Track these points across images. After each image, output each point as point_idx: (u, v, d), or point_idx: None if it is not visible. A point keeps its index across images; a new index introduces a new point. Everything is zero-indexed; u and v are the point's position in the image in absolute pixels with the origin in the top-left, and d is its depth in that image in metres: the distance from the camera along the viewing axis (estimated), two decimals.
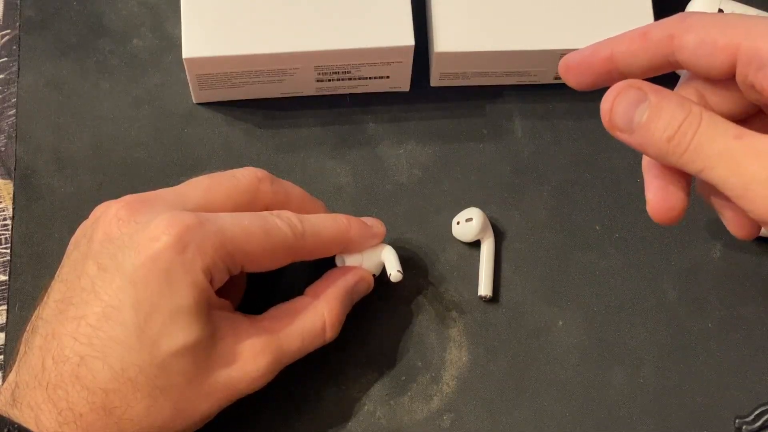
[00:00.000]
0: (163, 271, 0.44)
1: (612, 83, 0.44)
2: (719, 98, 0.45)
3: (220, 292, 0.48)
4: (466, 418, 0.53)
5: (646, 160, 0.45)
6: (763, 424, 0.51)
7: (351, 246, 0.52)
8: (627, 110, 0.43)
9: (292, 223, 0.48)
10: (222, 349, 0.46)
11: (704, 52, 0.43)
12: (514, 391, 0.54)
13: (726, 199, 0.43)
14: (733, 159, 0.41)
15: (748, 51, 0.41)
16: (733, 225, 0.46)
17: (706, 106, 0.45)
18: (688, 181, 0.45)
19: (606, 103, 0.43)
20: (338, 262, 0.53)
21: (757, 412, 0.51)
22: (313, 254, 0.50)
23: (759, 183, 0.40)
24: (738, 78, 0.43)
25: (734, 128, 0.41)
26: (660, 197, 0.45)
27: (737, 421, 0.52)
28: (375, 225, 0.52)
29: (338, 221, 0.51)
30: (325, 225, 0.50)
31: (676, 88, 0.46)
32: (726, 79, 0.43)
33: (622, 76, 0.44)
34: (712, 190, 0.44)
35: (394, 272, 0.52)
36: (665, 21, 0.44)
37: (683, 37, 0.43)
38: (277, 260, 0.49)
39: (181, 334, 0.45)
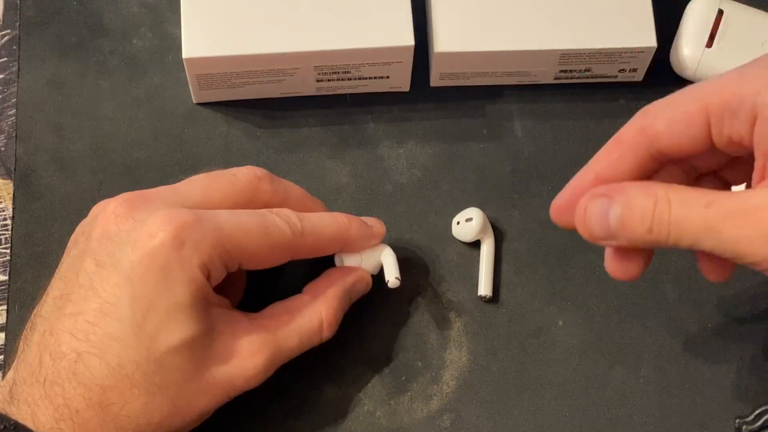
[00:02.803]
0: (160, 267, 0.44)
1: None
2: (698, 159, 0.46)
3: (220, 291, 0.48)
4: (466, 418, 0.53)
5: None
6: (763, 424, 0.51)
7: (350, 245, 0.52)
8: (601, 221, 0.43)
9: (291, 221, 0.48)
10: (219, 346, 0.46)
11: (679, 129, 0.43)
12: (514, 391, 0.54)
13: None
14: (712, 228, 0.41)
15: (718, 104, 0.42)
16: (708, 272, 0.47)
17: (683, 166, 0.46)
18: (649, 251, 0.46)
19: (578, 219, 0.44)
20: (337, 261, 0.53)
21: (757, 412, 0.51)
22: (312, 252, 0.50)
23: (744, 241, 0.41)
24: (715, 138, 0.43)
25: (702, 196, 0.42)
26: (620, 266, 0.46)
27: (737, 421, 0.52)
28: (375, 225, 0.52)
29: (338, 220, 0.51)
30: (325, 223, 0.50)
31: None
32: (707, 142, 0.43)
33: None
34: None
35: (392, 279, 0.52)
36: (631, 122, 0.44)
37: (654, 125, 0.44)
38: (276, 258, 0.49)
39: (178, 330, 0.45)
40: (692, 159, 0.46)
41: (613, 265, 0.46)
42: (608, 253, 0.46)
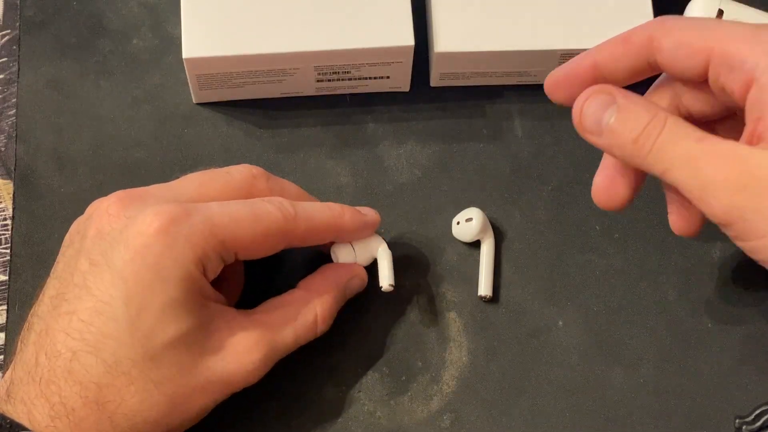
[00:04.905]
0: (153, 264, 0.44)
1: None
2: (694, 100, 0.46)
3: (218, 288, 0.48)
4: (466, 418, 0.53)
5: None
6: (763, 424, 0.51)
7: (345, 233, 0.51)
8: (596, 113, 0.44)
9: (283, 207, 0.48)
10: (216, 342, 0.46)
11: (681, 55, 0.44)
12: (514, 391, 0.54)
13: (677, 195, 0.45)
14: (692, 161, 0.42)
15: (720, 54, 0.43)
16: (675, 221, 0.48)
17: (681, 106, 0.47)
18: (638, 180, 0.47)
19: (576, 106, 0.45)
20: (333, 259, 0.53)
21: (757, 412, 0.51)
22: (306, 240, 0.50)
23: (715, 185, 0.41)
24: (710, 80, 0.44)
25: (697, 132, 0.43)
26: (606, 185, 0.47)
27: (737, 421, 0.52)
28: (369, 213, 0.52)
29: (331, 207, 0.51)
30: (317, 210, 0.50)
31: (652, 88, 0.48)
32: (701, 82, 0.45)
33: (607, 83, 0.46)
34: (670, 187, 0.45)
35: (386, 285, 0.52)
36: (645, 24, 0.45)
37: (662, 40, 0.44)
38: (270, 245, 0.48)
39: (172, 326, 0.45)
40: (689, 99, 0.47)
41: (599, 188, 0.47)
42: (596, 178, 0.48)
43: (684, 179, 0.42)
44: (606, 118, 0.44)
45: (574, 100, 0.46)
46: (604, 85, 0.45)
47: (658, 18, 0.46)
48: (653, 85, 0.48)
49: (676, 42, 0.44)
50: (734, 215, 0.42)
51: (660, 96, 0.47)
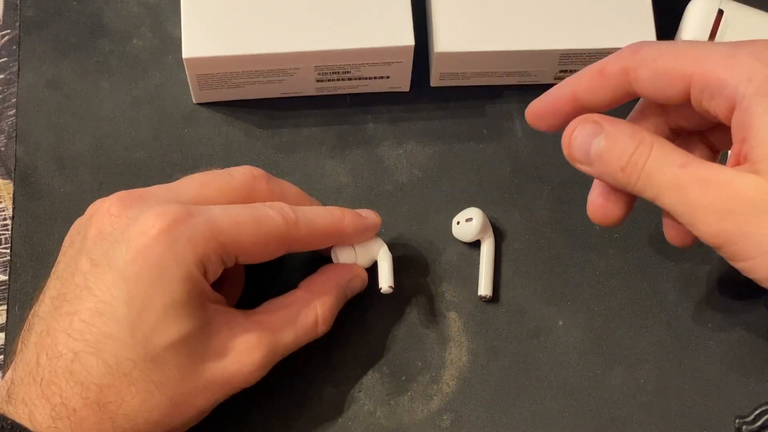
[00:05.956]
0: (155, 265, 0.44)
1: None
2: (680, 116, 0.47)
3: (218, 289, 0.48)
4: (466, 418, 0.53)
5: None
6: (763, 424, 0.51)
7: (346, 237, 0.51)
8: (584, 143, 0.45)
9: (285, 212, 0.48)
10: (216, 343, 0.46)
11: (660, 84, 0.45)
12: (514, 391, 0.54)
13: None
14: (679, 188, 0.43)
15: (700, 80, 0.43)
16: (670, 234, 0.49)
17: (670, 122, 0.48)
18: (632, 197, 0.47)
19: (565, 137, 0.46)
20: (333, 259, 0.53)
21: (757, 412, 0.51)
22: (308, 244, 0.50)
23: (702, 211, 0.42)
24: (694, 104, 0.44)
25: (682, 156, 0.43)
26: (601, 203, 0.48)
27: (737, 421, 0.52)
28: (369, 216, 0.52)
29: (332, 212, 0.51)
30: (319, 215, 0.50)
31: (639, 104, 0.47)
32: (685, 102, 0.45)
33: (588, 111, 0.47)
34: None
35: (385, 286, 0.52)
36: (619, 55, 0.46)
37: (638, 70, 0.45)
38: (271, 250, 0.48)
39: (174, 327, 0.45)
40: (676, 116, 0.47)
41: (595, 207, 0.48)
42: (591, 194, 0.48)
43: (673, 205, 0.43)
44: (594, 147, 0.45)
45: (554, 128, 0.48)
46: (591, 115, 0.46)
47: (630, 47, 0.46)
48: (640, 101, 0.48)
49: (653, 72, 0.44)
50: (723, 239, 0.42)
51: (648, 113, 0.47)
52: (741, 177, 0.42)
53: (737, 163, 0.43)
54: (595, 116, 0.46)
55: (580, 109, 0.47)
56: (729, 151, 0.45)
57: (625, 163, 0.44)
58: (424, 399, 0.53)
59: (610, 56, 0.46)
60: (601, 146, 0.45)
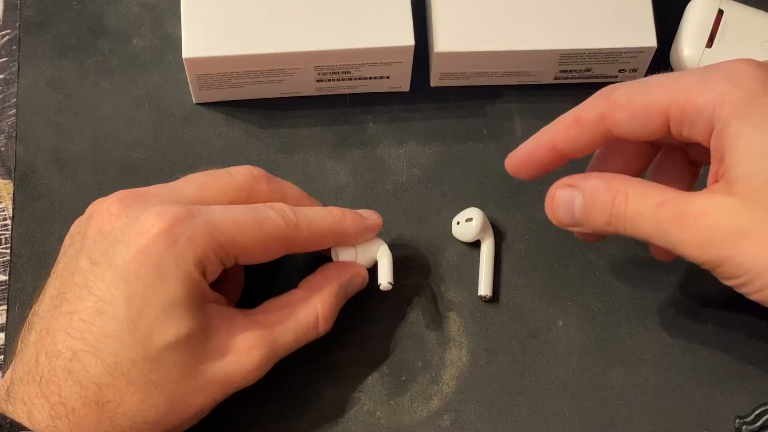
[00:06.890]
0: (154, 264, 0.44)
1: (561, 165, 0.49)
2: (663, 140, 0.49)
3: (218, 289, 0.48)
4: (466, 418, 0.53)
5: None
6: (763, 424, 0.51)
7: (346, 238, 0.51)
8: (567, 209, 0.47)
9: (285, 214, 0.48)
10: (216, 342, 0.46)
11: (638, 123, 0.46)
12: (514, 391, 0.54)
13: None
14: (660, 228, 0.45)
15: (678, 112, 0.45)
16: (655, 253, 0.52)
17: (656, 143, 0.49)
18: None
19: (548, 207, 0.48)
20: (333, 256, 0.53)
21: (757, 412, 0.51)
22: (308, 246, 0.50)
23: (686, 245, 0.44)
24: (674, 133, 0.46)
25: (657, 195, 0.45)
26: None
27: (737, 421, 0.52)
28: (371, 216, 0.52)
29: (333, 213, 0.51)
30: (320, 216, 0.50)
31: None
32: (666, 134, 0.46)
33: (567, 159, 0.49)
34: None
35: (385, 282, 0.52)
36: (592, 101, 0.47)
37: (614, 115, 0.46)
38: (271, 251, 0.48)
39: (173, 327, 0.45)
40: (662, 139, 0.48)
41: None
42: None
43: (662, 243, 0.45)
44: (576, 211, 0.47)
45: (536, 176, 0.50)
46: (565, 179, 0.48)
47: (601, 92, 0.47)
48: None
49: (630, 114, 0.46)
50: (709, 265, 0.44)
51: (614, 145, 0.49)
52: (717, 203, 0.43)
53: (716, 182, 0.45)
54: (569, 179, 0.48)
55: (559, 157, 0.48)
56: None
57: (608, 217, 0.46)
58: (424, 399, 0.53)
59: (583, 104, 0.48)
60: (581, 207, 0.47)
